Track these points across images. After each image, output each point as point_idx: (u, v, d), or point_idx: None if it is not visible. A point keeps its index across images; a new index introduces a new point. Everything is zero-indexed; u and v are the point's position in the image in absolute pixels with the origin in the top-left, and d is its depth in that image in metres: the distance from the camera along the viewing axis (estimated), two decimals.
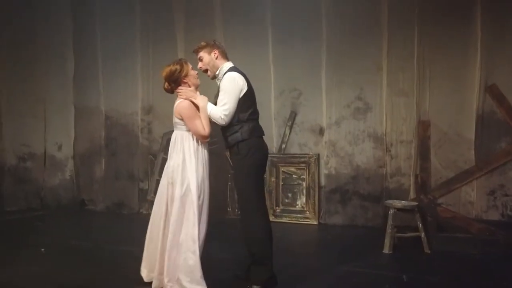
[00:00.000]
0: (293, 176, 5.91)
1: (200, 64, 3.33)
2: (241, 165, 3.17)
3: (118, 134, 6.87)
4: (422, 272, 3.88)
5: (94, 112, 6.96)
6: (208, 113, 3.15)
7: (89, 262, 4.02)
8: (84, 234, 5.22)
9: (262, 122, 5.62)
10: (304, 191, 5.82)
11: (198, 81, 3.36)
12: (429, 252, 4.40)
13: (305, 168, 5.81)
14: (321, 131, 5.86)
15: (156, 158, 6.67)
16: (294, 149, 6.03)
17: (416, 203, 4.78)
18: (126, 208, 6.77)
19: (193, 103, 3.20)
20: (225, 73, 3.24)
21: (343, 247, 4.74)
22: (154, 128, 6.78)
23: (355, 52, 5.65)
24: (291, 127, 6.09)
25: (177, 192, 3.13)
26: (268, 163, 5.96)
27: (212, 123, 3.22)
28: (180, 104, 3.20)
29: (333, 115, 5.80)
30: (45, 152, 7.16)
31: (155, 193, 6.85)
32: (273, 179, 5.95)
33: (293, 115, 6.01)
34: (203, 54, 3.30)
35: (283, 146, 6.14)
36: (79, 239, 4.91)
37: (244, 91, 3.17)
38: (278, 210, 5.93)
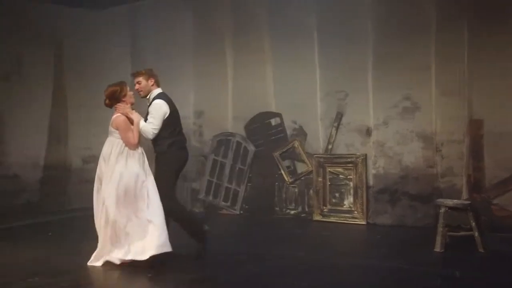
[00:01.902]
0: (340, 176, 5.70)
1: (137, 86, 3.95)
2: (161, 168, 3.89)
3: None
4: (475, 270, 3.62)
5: None
6: (140, 128, 3.76)
7: None
8: None
9: (309, 123, 5.63)
10: (352, 191, 5.59)
11: (133, 100, 3.92)
12: (482, 251, 4.07)
13: (352, 168, 5.60)
14: (368, 132, 5.64)
15: (206, 159, 6.79)
16: (340, 150, 5.81)
17: (469, 202, 4.44)
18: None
19: (128, 117, 3.78)
20: (154, 97, 3.91)
21: (394, 246, 4.49)
22: (204, 131, 6.79)
23: (402, 52, 5.35)
24: (337, 128, 5.89)
25: (106, 186, 3.66)
26: (315, 163, 6.10)
27: (140, 135, 3.81)
28: (118, 118, 3.77)
29: (381, 115, 5.54)
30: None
31: (206, 193, 7.11)
32: (320, 179, 5.76)
33: (339, 116, 5.81)
34: (142, 79, 3.95)
35: (330, 146, 6.02)
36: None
37: (167, 114, 3.84)
38: (325, 210, 5.73)
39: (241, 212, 6.42)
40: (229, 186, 6.57)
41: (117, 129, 3.76)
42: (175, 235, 3.82)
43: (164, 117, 3.83)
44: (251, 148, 6.47)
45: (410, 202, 5.39)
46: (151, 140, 3.90)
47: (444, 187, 5.23)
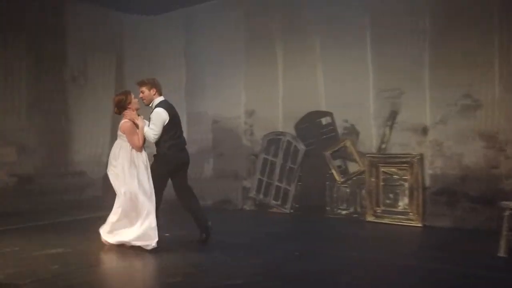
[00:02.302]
0: (395, 176, 5.48)
1: (141, 95, 4.35)
2: (157, 166, 4.29)
3: (224, 136, 7.08)
4: None
5: (203, 117, 7.27)
6: (144, 132, 4.16)
7: (202, 247, 4.30)
8: (196, 226, 5.67)
9: (361, 122, 5.50)
10: (407, 192, 5.35)
11: (138, 106, 4.30)
12: None
13: (407, 168, 5.36)
14: (424, 130, 5.38)
15: (257, 158, 6.86)
16: (394, 149, 5.59)
17: None
18: (230, 204, 6.94)
19: (134, 123, 4.17)
20: (156, 105, 4.27)
21: (453, 250, 4.24)
22: (255, 130, 6.83)
23: (462, 48, 5.06)
24: (391, 127, 5.67)
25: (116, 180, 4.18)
26: (368, 163, 5.93)
27: (145, 139, 4.22)
28: (125, 123, 4.17)
29: (438, 114, 5.25)
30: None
31: (257, 191, 7.19)
32: (372, 179, 5.59)
33: (393, 115, 5.59)
34: (145, 89, 4.34)
35: (383, 146, 5.82)
36: (193, 229, 5.37)
37: (167, 121, 4.21)
38: (378, 211, 5.54)
39: (292, 211, 6.42)
40: (280, 185, 6.59)
41: (124, 133, 4.16)
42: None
43: (163, 123, 4.21)
44: (301, 147, 6.45)
45: (470, 204, 5.08)
46: (154, 143, 4.30)
47: (509, 189, 4.88)
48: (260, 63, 6.79)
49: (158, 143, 4.28)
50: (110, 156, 4.29)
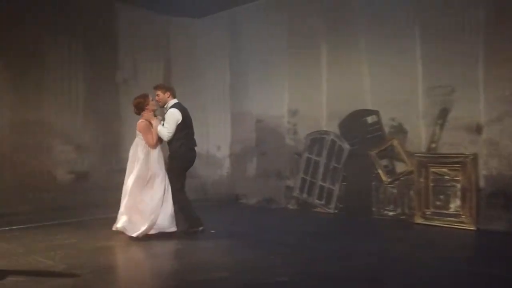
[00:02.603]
0: (445, 177, 5.23)
1: (157, 98, 4.76)
2: (172, 165, 4.66)
3: (267, 135, 7.10)
4: None
5: (246, 116, 7.35)
6: (158, 131, 4.52)
7: (249, 244, 4.36)
8: (241, 223, 5.56)
9: (409, 120, 5.33)
10: (459, 193, 5.07)
11: (155, 107, 4.72)
12: None
13: (459, 168, 5.08)
14: (478, 129, 5.09)
15: (300, 157, 6.81)
16: (445, 149, 5.33)
17: None
18: (274, 203, 6.94)
19: (150, 122, 4.55)
20: (171, 107, 4.67)
21: (510, 255, 3.98)
22: (299, 129, 6.79)
23: None
24: (442, 125, 5.44)
25: (132, 176, 4.51)
26: (416, 163, 5.67)
27: (159, 137, 4.60)
28: (140, 123, 4.57)
29: (494, 111, 4.93)
30: (207, 152, 7.89)
31: (300, 190, 7.17)
32: (421, 179, 5.36)
33: (444, 113, 5.34)
34: (160, 92, 4.76)
35: (433, 145, 5.59)
36: (238, 226, 5.48)
37: (180, 121, 4.60)
38: (428, 213, 5.29)
39: (336, 211, 6.32)
40: (323, 184, 6.52)
41: (140, 132, 4.56)
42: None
43: (177, 122, 4.58)
44: (346, 146, 6.34)
45: None
46: (167, 142, 4.66)
47: None
48: (304, 61, 6.75)
49: (170, 141, 4.63)
50: (130, 153, 4.67)
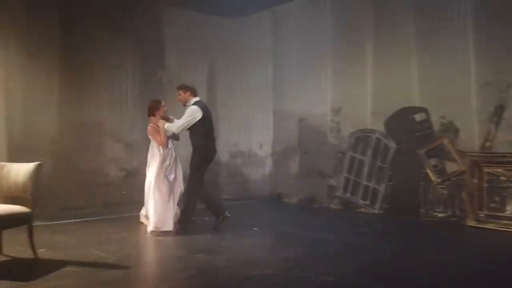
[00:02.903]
0: (501, 178, 4.92)
1: (179, 97, 5.08)
2: (193, 158, 4.94)
3: (310, 134, 7.00)
4: None
5: (289, 114, 7.29)
6: (167, 127, 4.84)
7: (292, 243, 4.34)
8: (284, 222, 5.55)
9: (461, 118, 5.11)
10: None
11: (164, 113, 5.00)
12: None
13: None
14: None
15: (344, 156, 6.70)
16: (501, 148, 5.00)
17: None
18: (317, 202, 6.83)
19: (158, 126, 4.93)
20: (191, 104, 4.94)
21: None
22: (342, 127, 6.65)
23: None
24: (497, 123, 5.12)
25: (150, 174, 4.90)
26: (469, 163, 5.36)
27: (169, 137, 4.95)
28: (149, 128, 4.96)
29: None
30: (249, 150, 7.96)
31: (344, 189, 7.03)
32: (474, 180, 5.06)
33: (500, 110, 5.01)
34: (181, 92, 5.06)
35: (488, 144, 5.28)
36: (281, 224, 5.47)
37: (199, 118, 4.84)
38: (481, 215, 4.99)
39: (381, 211, 6.14)
40: (368, 184, 6.35)
41: (150, 135, 4.94)
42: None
43: (195, 118, 4.83)
44: (392, 145, 6.14)
45: None
46: (189, 136, 4.96)
47: None
48: (348, 58, 6.61)
49: (192, 136, 4.93)
50: (148, 157, 5.04)
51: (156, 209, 4.69)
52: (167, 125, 4.87)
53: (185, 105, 5.06)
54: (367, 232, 4.94)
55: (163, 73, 7.23)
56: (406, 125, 5.97)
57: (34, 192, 3.57)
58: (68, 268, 3.32)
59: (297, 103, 7.30)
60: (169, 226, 4.72)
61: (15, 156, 5.42)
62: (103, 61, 6.60)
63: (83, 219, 5.28)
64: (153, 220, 4.67)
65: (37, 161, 3.74)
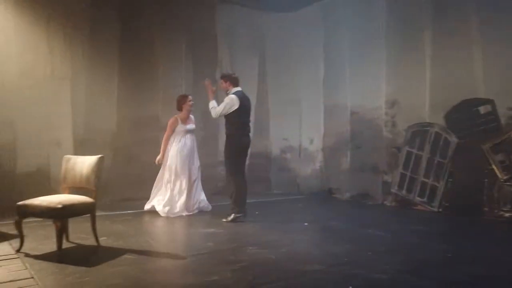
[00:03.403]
0: None
1: (220, 86, 5.25)
2: (226, 147, 5.08)
3: (363, 128, 6.79)
4: None
5: (341, 108, 7.10)
6: (210, 108, 5.09)
7: (344, 239, 4.21)
8: (335, 217, 5.40)
9: None
10: None
11: (190, 106, 5.60)
12: None
13: None
14: None
15: (400, 151, 6.44)
16: None
17: None
18: (370, 199, 6.64)
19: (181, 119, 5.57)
20: (232, 93, 5.04)
21: None
22: (398, 121, 6.39)
23: None
24: None
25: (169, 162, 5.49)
26: None
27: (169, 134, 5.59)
28: (171, 119, 5.59)
29: None
30: (300, 145, 7.89)
31: (399, 186, 6.74)
32: None
33: None
34: (222, 81, 5.21)
35: None
36: (332, 220, 5.37)
37: (236, 107, 4.95)
38: None
39: (440, 209, 5.83)
40: (426, 180, 6.05)
41: (167, 124, 5.54)
42: None
43: (231, 106, 4.94)
44: (453, 139, 5.78)
45: None
46: (224, 124, 5.12)
47: None
48: (404, 48, 6.31)
49: (226, 125, 5.06)
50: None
51: (172, 195, 5.28)
52: (211, 106, 5.08)
53: (226, 93, 5.17)
54: (424, 231, 4.71)
55: (216, 69, 7.36)
56: (469, 118, 5.60)
57: (97, 184, 3.80)
58: (127, 256, 3.50)
59: (349, 97, 7.11)
60: (179, 211, 5.31)
61: (80, 149, 5.84)
62: (159, 59, 6.86)
63: (140, 210, 5.53)
64: (168, 205, 5.25)
65: (98, 154, 3.98)
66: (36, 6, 5.71)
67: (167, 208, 5.30)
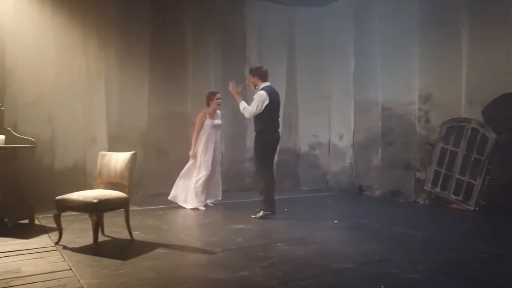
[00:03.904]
0: None
1: (249, 80, 5.24)
2: (256, 143, 5.07)
3: (394, 124, 6.64)
4: None
5: (371, 104, 6.96)
6: (242, 110, 5.06)
7: (374, 237, 4.16)
8: (365, 215, 5.29)
9: None
10: None
11: (217, 104, 5.73)
12: None
13: None
14: None
15: (433, 147, 6.27)
16: None
17: None
18: (402, 196, 6.49)
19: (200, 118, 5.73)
20: (260, 89, 5.01)
21: None
22: (432, 117, 6.20)
23: None
24: None
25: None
26: None
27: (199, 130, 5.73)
28: (200, 114, 5.76)
29: None
30: (329, 142, 7.79)
31: (433, 183, 6.54)
32: None
33: None
34: (250, 76, 5.18)
35: None
36: (362, 218, 5.29)
37: (266, 102, 4.92)
38: None
39: (477, 208, 5.62)
40: (462, 178, 5.84)
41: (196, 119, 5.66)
42: None
43: (263, 103, 4.90)
44: (491, 135, 5.54)
45: None
46: (253, 121, 5.08)
47: None
48: (439, 41, 6.11)
49: (255, 121, 5.02)
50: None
51: (196, 187, 5.50)
52: (242, 107, 5.06)
53: (254, 88, 5.16)
54: (459, 230, 4.56)
55: (244, 66, 7.40)
56: (509, 113, 5.35)
57: (130, 179, 3.92)
58: (159, 250, 3.59)
59: (380, 92, 6.97)
60: (198, 203, 5.54)
61: (114, 145, 6.04)
62: (189, 57, 6.96)
63: (171, 205, 5.65)
64: (196, 198, 5.49)
65: (130, 151, 4.10)
66: (71, 6, 5.92)
67: (190, 199, 5.53)
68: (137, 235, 4.05)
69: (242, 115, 5.13)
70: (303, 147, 8.04)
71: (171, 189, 5.75)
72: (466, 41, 5.81)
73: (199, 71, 7.06)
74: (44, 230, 4.20)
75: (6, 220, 4.24)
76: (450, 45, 5.97)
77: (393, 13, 6.67)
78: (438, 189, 6.10)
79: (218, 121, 5.76)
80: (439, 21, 6.09)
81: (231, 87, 5.11)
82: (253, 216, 4.97)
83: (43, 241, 3.81)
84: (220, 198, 5.88)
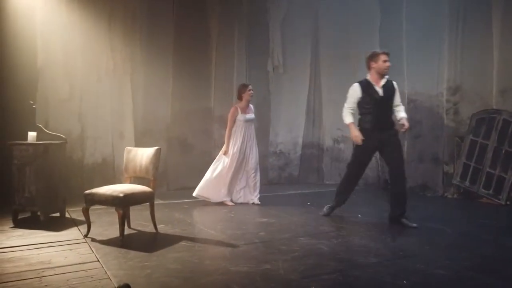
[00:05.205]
0: None
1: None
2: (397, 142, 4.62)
3: (421, 116, 6.44)
4: None
5: None
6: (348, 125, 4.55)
7: (402, 232, 4.06)
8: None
9: None
10: None
11: (250, 96, 5.46)
12: None
13: None
14: None
15: (463, 140, 6.05)
16: None
17: None
18: (429, 190, 6.33)
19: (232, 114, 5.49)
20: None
21: None
22: (461, 109, 5.99)
23: None
24: None
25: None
26: None
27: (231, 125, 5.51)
28: (231, 109, 5.49)
29: None
30: None
31: (462, 177, 6.33)
32: None
33: None
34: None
35: None
36: (387, 212, 5.12)
37: (358, 97, 4.47)
38: None
39: (508, 202, 5.40)
40: (492, 171, 5.62)
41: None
42: None
43: (351, 96, 4.53)
44: None
45: None
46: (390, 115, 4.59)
47: None
48: (470, 30, 5.89)
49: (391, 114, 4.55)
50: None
51: (226, 182, 5.42)
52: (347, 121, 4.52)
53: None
54: (489, 225, 4.40)
55: (268, 62, 7.36)
56: None
57: (155, 174, 3.98)
58: (183, 243, 3.64)
59: (406, 83, 6.76)
60: (223, 198, 5.49)
61: (141, 140, 6.16)
62: (212, 52, 6.99)
63: (195, 200, 5.71)
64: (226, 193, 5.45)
65: (155, 146, 4.16)
66: (98, 5, 6.04)
67: (216, 194, 5.45)
68: (162, 228, 4.12)
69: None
70: (328, 141, 7.93)
71: (195, 184, 5.79)
72: (498, 29, 5.57)
73: (222, 67, 7.07)
74: (74, 223, 4.34)
75: (39, 213, 4.40)
76: (481, 34, 5.75)
77: (420, 2, 6.43)
78: (467, 183, 5.90)
79: (251, 115, 5.47)
80: (469, 8, 5.85)
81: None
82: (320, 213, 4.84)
83: (73, 233, 3.94)
84: (251, 202, 5.55)
